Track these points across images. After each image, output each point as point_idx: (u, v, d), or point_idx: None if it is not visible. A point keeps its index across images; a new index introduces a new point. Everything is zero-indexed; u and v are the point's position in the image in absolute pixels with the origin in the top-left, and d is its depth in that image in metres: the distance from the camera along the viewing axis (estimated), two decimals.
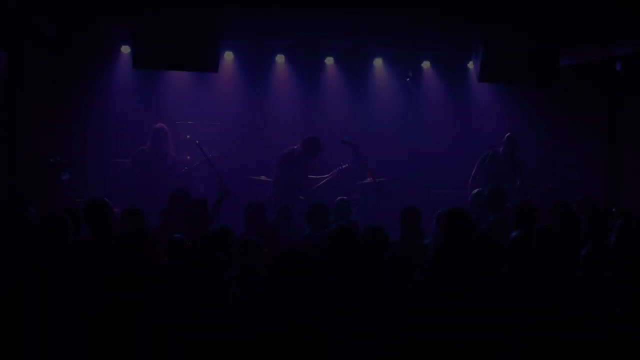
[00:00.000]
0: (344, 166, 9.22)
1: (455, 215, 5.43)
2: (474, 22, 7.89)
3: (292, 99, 11.15)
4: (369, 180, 9.00)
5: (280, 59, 10.74)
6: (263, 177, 9.68)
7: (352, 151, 8.85)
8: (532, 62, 8.36)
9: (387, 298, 4.12)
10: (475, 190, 8.11)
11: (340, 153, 10.99)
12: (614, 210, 6.59)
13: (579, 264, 4.62)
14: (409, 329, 3.41)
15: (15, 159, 8.29)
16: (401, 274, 4.54)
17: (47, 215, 5.45)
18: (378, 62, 11.07)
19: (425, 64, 11.21)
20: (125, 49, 9.91)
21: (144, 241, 3.18)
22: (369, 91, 11.23)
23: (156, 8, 7.35)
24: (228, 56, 10.44)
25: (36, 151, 8.63)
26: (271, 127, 11.13)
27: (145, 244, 3.17)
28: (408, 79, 11.28)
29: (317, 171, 9.48)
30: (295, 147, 9.05)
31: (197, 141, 8.89)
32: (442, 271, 4.41)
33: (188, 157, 10.10)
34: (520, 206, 6.01)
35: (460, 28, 8.01)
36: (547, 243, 5.33)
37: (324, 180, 9.18)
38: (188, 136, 10.31)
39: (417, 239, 5.79)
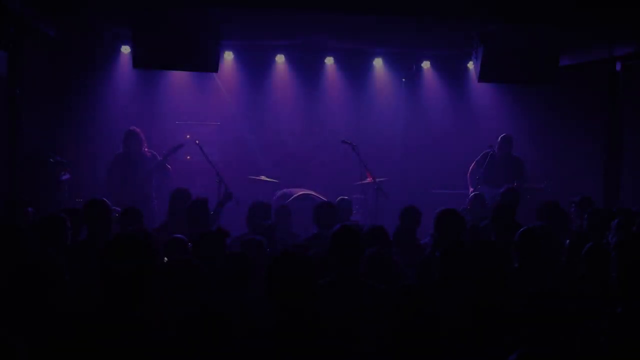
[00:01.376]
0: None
1: (447, 215, 5.42)
2: (474, 22, 7.88)
3: (292, 99, 11.16)
4: (368, 180, 9.00)
5: (280, 59, 10.74)
6: (263, 177, 9.69)
7: (352, 150, 8.84)
8: (532, 62, 8.33)
9: (384, 297, 4.12)
10: (474, 192, 8.12)
11: (340, 153, 11.02)
12: (614, 210, 6.58)
13: (580, 263, 4.62)
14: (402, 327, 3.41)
15: (15, 159, 8.28)
16: (381, 272, 4.54)
17: (46, 216, 5.45)
18: (378, 62, 11.08)
19: (425, 64, 11.22)
20: (125, 49, 9.92)
21: (143, 240, 3.16)
22: (369, 91, 11.24)
23: (156, 8, 7.34)
24: (228, 56, 10.45)
25: (36, 151, 8.63)
26: (271, 127, 11.15)
27: (144, 244, 3.15)
28: (404, 79, 11.29)
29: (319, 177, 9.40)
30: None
31: (197, 141, 8.88)
32: (434, 270, 4.42)
33: (188, 157, 10.12)
34: (498, 208, 5.98)
35: (460, 28, 8.00)
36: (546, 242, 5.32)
37: None
38: (188, 136, 10.31)
39: (413, 238, 5.79)
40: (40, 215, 5.70)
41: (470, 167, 9.50)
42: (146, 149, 8.75)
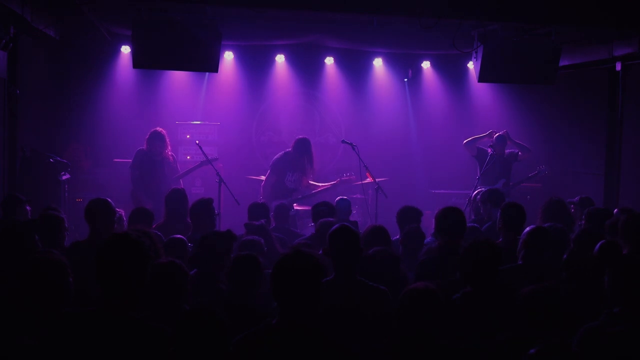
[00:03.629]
0: (346, 177, 9.15)
1: (449, 212, 5.37)
2: (474, 22, 7.88)
3: (292, 99, 11.17)
4: (368, 180, 9.00)
5: (280, 59, 10.75)
6: (263, 177, 9.68)
7: (352, 151, 8.83)
8: (532, 62, 8.32)
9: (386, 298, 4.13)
10: (477, 191, 8.11)
11: (340, 153, 11.04)
12: (615, 211, 6.56)
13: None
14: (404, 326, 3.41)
15: (15, 158, 8.29)
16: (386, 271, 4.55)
17: (43, 215, 5.45)
18: (378, 62, 11.08)
19: (425, 64, 11.22)
20: (125, 49, 9.93)
21: (139, 240, 3.14)
22: (369, 91, 11.24)
23: (156, 7, 7.34)
24: (228, 56, 10.45)
25: (36, 151, 8.63)
26: (271, 127, 11.16)
27: (141, 243, 3.13)
28: (406, 80, 11.31)
29: (318, 177, 9.44)
30: (288, 149, 8.99)
31: (197, 141, 8.89)
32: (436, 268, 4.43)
33: (188, 157, 10.12)
34: (507, 207, 5.89)
35: (460, 28, 7.99)
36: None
37: (322, 188, 9.08)
38: (188, 136, 10.32)
39: (417, 238, 5.76)
40: (38, 215, 5.69)
41: (471, 137, 9.55)
42: (170, 152, 8.75)
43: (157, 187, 8.38)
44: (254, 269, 4.24)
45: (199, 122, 10.54)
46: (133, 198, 8.46)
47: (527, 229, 5.01)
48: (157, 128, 8.76)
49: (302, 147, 8.85)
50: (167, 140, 8.74)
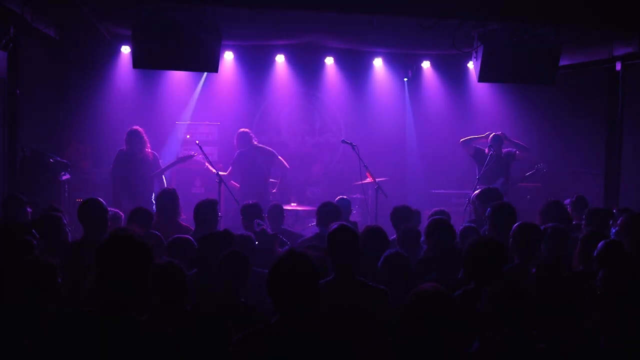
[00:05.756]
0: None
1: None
2: (474, 22, 7.88)
3: (292, 99, 11.17)
4: (368, 180, 9.01)
5: (280, 59, 10.75)
6: None
7: (352, 151, 8.84)
8: (532, 62, 8.33)
9: (386, 296, 4.13)
10: (476, 192, 8.09)
11: (340, 153, 11.04)
12: (614, 211, 6.56)
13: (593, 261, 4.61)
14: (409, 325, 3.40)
15: (15, 158, 8.29)
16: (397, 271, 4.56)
17: (43, 215, 5.45)
18: (378, 62, 11.08)
19: (425, 64, 11.22)
20: (125, 49, 9.93)
21: (138, 240, 3.13)
22: (369, 91, 11.25)
23: (156, 7, 7.34)
24: (228, 56, 10.46)
25: (36, 151, 8.63)
26: (271, 127, 11.15)
27: (139, 243, 3.12)
28: (406, 79, 11.32)
29: (321, 178, 9.42)
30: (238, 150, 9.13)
31: (197, 141, 8.89)
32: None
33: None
34: (497, 207, 5.89)
35: (460, 28, 8.00)
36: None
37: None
38: (188, 136, 10.33)
39: (414, 237, 5.77)
40: (37, 215, 5.70)
41: (466, 137, 9.52)
42: (149, 150, 8.69)
43: (137, 187, 8.35)
44: (241, 266, 4.22)
45: (199, 122, 10.54)
46: (114, 198, 8.37)
47: (515, 227, 5.00)
48: (134, 127, 8.65)
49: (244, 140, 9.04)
50: (145, 138, 8.60)
